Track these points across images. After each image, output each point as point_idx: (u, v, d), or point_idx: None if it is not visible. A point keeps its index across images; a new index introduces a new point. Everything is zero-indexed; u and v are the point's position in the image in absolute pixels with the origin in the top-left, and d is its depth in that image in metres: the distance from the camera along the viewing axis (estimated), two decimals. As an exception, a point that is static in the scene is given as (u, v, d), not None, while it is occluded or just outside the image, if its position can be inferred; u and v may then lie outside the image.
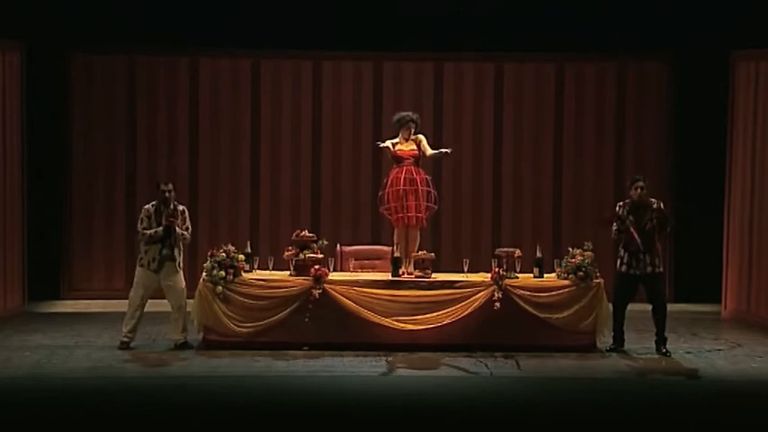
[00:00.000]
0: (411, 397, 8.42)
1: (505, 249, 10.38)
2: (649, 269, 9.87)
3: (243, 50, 12.84)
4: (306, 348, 9.87)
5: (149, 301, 10.13)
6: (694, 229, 12.76)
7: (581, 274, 10.00)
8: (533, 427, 7.61)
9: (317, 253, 10.14)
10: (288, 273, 10.18)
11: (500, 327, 9.91)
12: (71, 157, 12.80)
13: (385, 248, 10.95)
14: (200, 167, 12.94)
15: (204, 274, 9.98)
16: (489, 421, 7.69)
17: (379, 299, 9.97)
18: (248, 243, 10.45)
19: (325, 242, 10.36)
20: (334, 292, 9.94)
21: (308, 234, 10.31)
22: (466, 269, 10.25)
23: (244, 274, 10.03)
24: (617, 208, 10.05)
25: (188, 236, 10.02)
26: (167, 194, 9.95)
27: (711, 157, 12.42)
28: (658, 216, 9.85)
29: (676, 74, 12.95)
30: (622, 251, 9.97)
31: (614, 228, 9.97)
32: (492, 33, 12.66)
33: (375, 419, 7.73)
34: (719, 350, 10.29)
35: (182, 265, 10.01)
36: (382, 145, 10.53)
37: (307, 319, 9.91)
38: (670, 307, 10.27)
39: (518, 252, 10.25)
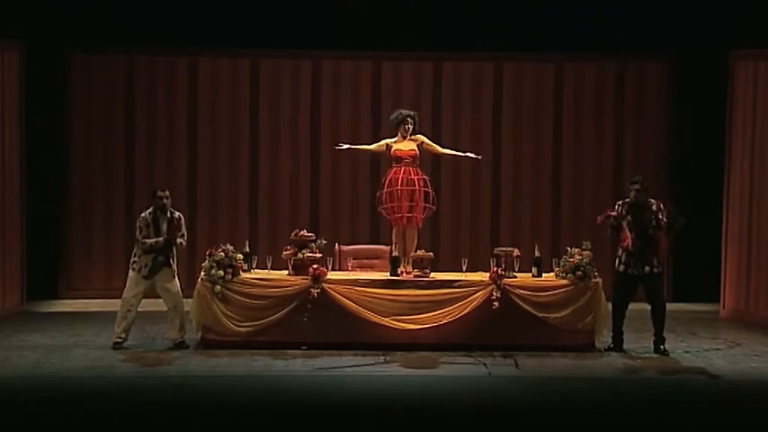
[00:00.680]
0: (410, 396, 8.42)
1: (504, 249, 10.39)
2: (647, 269, 9.88)
3: (242, 50, 12.84)
4: (304, 348, 9.87)
5: (149, 300, 10.15)
6: (693, 228, 12.73)
7: (579, 273, 10.00)
8: (532, 427, 7.61)
9: (315, 252, 10.14)
10: (286, 272, 10.18)
11: (498, 326, 9.91)
12: (70, 157, 12.80)
13: (383, 248, 10.95)
14: (199, 167, 12.94)
15: (203, 273, 9.99)
16: (487, 421, 7.69)
17: (377, 298, 9.97)
18: (247, 242, 10.44)
19: (324, 241, 10.36)
20: (333, 292, 9.94)
21: (306, 233, 10.32)
22: (464, 268, 10.24)
23: (242, 273, 10.03)
24: (616, 206, 10.06)
25: (184, 242, 10.04)
26: (165, 201, 9.95)
27: (710, 156, 12.42)
28: (668, 215, 9.85)
29: (676, 74, 12.95)
30: (620, 251, 9.98)
31: (609, 222, 9.98)
32: (491, 33, 12.65)
33: (374, 419, 7.73)
34: (718, 350, 10.29)
35: (176, 268, 10.01)
36: (339, 148, 10.56)
37: (305, 319, 9.91)
38: (669, 306, 10.27)
39: (517, 251, 10.25)
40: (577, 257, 10.06)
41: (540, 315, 9.95)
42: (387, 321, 9.91)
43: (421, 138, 10.56)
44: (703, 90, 12.60)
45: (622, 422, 7.75)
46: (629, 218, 9.92)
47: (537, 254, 10.27)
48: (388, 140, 10.58)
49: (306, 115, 12.99)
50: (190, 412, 7.86)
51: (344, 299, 9.94)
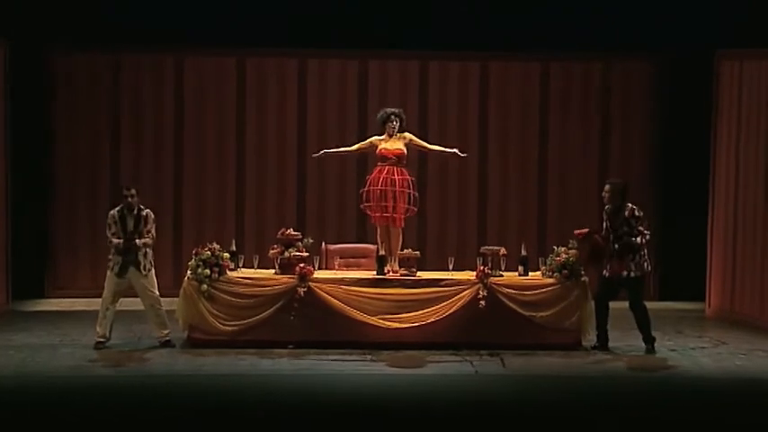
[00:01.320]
0: (396, 395, 8.43)
1: (490, 248, 10.41)
2: (624, 273, 9.88)
3: (228, 49, 12.82)
4: (291, 347, 9.86)
5: (135, 299, 10.12)
6: (679, 227, 12.81)
7: (566, 272, 10.02)
8: (518, 426, 7.62)
9: (302, 251, 10.14)
10: (273, 271, 10.17)
11: (485, 325, 9.92)
12: (56, 156, 12.76)
13: (370, 247, 10.95)
14: (186, 166, 12.92)
15: (189, 272, 9.97)
16: (474, 419, 7.70)
17: (364, 297, 9.97)
18: (233, 241, 10.45)
19: (311, 240, 10.36)
20: (320, 291, 9.94)
21: (293, 232, 10.31)
22: (451, 267, 10.26)
23: (229, 272, 10.02)
24: (603, 213, 10.10)
25: (151, 241, 9.98)
26: (130, 199, 9.92)
27: (696, 155, 12.46)
28: (637, 225, 9.86)
29: (662, 73, 12.99)
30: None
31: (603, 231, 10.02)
32: (477, 32, 12.67)
33: (360, 418, 7.73)
34: (704, 348, 10.33)
35: (150, 265, 9.94)
36: (316, 155, 10.57)
37: (292, 318, 9.90)
38: (655, 305, 10.32)
39: (503, 250, 10.26)
40: (564, 256, 10.07)
41: (526, 314, 9.96)
42: (373, 320, 9.91)
43: (408, 136, 10.55)
44: (689, 90, 12.64)
45: (609, 421, 7.77)
46: (606, 223, 9.96)
47: (523, 253, 10.29)
48: (375, 138, 10.57)
49: (292, 114, 12.98)
50: (176, 412, 7.85)
51: (331, 298, 9.94)
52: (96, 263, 12.56)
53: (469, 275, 10.16)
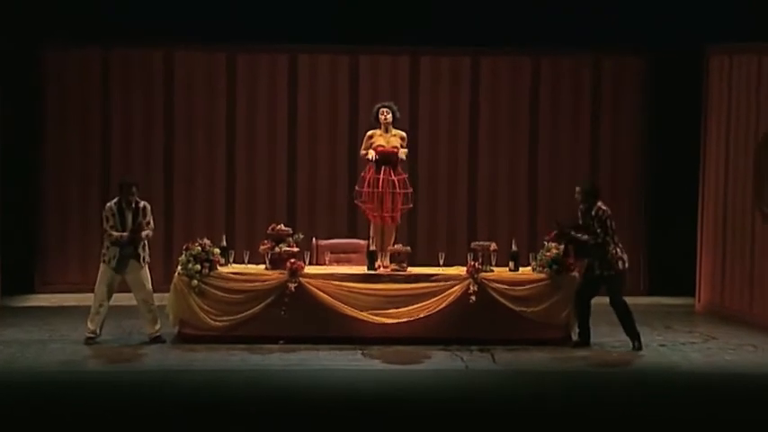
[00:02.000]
0: (387, 390, 8.44)
1: (481, 243, 10.43)
2: (597, 272, 9.90)
3: (218, 44, 12.80)
4: (281, 342, 9.87)
5: (125, 294, 10.12)
6: (668, 221, 12.84)
7: (556, 267, 10.04)
8: (508, 421, 7.63)
9: (292, 246, 10.15)
10: (263, 266, 10.18)
11: (475, 320, 9.94)
12: (45, 150, 12.72)
13: (361, 242, 10.96)
14: (176, 161, 12.89)
15: (179, 267, 9.97)
16: (464, 414, 7.71)
17: (354, 292, 9.98)
18: (224, 237, 10.45)
19: (301, 236, 10.37)
20: (310, 286, 9.95)
21: (283, 228, 10.32)
22: (442, 263, 10.28)
23: (219, 267, 10.03)
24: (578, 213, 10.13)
25: (151, 233, 10.00)
26: (130, 197, 9.88)
27: (686, 150, 12.48)
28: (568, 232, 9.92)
29: (652, 68, 12.99)
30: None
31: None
32: (468, 27, 12.67)
33: (350, 413, 7.74)
34: (693, 343, 10.36)
35: (147, 259, 9.98)
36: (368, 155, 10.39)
37: (282, 313, 9.91)
38: (644, 300, 10.36)
39: (494, 246, 10.28)
40: (554, 252, 10.10)
41: (517, 309, 9.98)
42: (364, 315, 9.92)
43: (402, 136, 10.46)
44: (679, 85, 12.65)
45: (599, 417, 7.78)
46: (579, 223, 10.00)
47: (514, 248, 10.31)
48: (371, 132, 10.50)
49: (283, 109, 12.96)
50: (167, 407, 7.84)
51: (322, 293, 9.95)
52: (86, 258, 12.54)
53: (460, 271, 10.17)
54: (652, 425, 7.59)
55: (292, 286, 9.91)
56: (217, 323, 9.91)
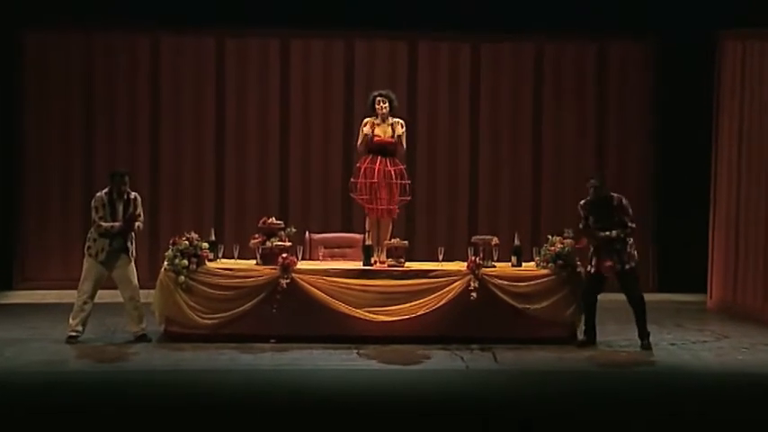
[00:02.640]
0: (384, 391, 8.43)
1: (482, 237, 10.40)
2: (618, 267, 9.84)
3: (206, 28, 12.76)
4: (273, 341, 9.86)
5: (110, 291, 10.08)
6: (679, 215, 12.82)
7: (561, 262, 10.01)
8: (510, 423, 7.61)
9: (284, 241, 10.12)
10: (254, 262, 10.16)
11: (476, 318, 9.92)
12: (24, 140, 12.72)
13: (356, 236, 10.95)
14: (162, 152, 12.88)
15: (166, 263, 9.94)
16: (464, 416, 7.70)
17: (350, 289, 9.96)
18: (212, 230, 10.42)
19: (294, 229, 10.34)
20: (303, 282, 9.93)
21: (275, 221, 10.30)
22: (441, 258, 10.25)
23: (207, 263, 10.00)
24: (579, 207, 10.01)
25: (141, 225, 9.96)
26: (123, 186, 9.83)
27: (697, 140, 12.46)
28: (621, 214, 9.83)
29: (660, 55, 12.97)
30: (591, 247, 9.96)
31: (581, 225, 9.96)
32: (468, 12, 12.63)
33: (345, 415, 7.72)
34: (705, 342, 10.34)
35: (134, 254, 9.93)
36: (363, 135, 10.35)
37: (274, 311, 9.89)
38: (654, 296, 10.32)
39: (495, 240, 10.26)
40: (559, 246, 10.07)
41: (519, 306, 9.96)
42: (360, 313, 9.90)
43: (399, 125, 10.41)
44: (689, 72, 12.64)
45: (605, 419, 7.76)
46: (591, 218, 9.89)
47: (516, 242, 10.29)
48: (368, 120, 10.44)
49: (275, 98, 12.94)
50: (152, 409, 7.82)
51: (315, 290, 9.92)
52: (67, 252, 12.51)
53: (460, 266, 10.15)
54: (662, 427, 7.56)
55: (284, 282, 9.88)
56: (205, 321, 9.89)
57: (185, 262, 9.87)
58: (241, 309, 9.91)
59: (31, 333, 10.31)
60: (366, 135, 10.30)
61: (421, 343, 9.81)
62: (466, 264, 10.09)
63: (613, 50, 13.10)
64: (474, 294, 9.92)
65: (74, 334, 9.87)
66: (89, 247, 9.90)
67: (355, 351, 9.64)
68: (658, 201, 12.94)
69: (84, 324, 9.90)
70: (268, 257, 10.07)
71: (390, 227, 10.45)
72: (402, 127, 10.37)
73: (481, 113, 13.07)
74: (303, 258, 10.34)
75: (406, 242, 10.37)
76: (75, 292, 10.05)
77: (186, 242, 9.94)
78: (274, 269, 9.96)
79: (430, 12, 12.64)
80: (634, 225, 9.88)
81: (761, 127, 11.56)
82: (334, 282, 9.98)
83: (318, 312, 9.90)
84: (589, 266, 9.95)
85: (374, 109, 10.38)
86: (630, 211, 9.88)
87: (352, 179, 10.52)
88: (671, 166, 12.95)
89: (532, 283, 10.03)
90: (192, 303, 9.90)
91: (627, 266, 9.83)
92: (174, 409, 7.85)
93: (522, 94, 13.08)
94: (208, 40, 12.87)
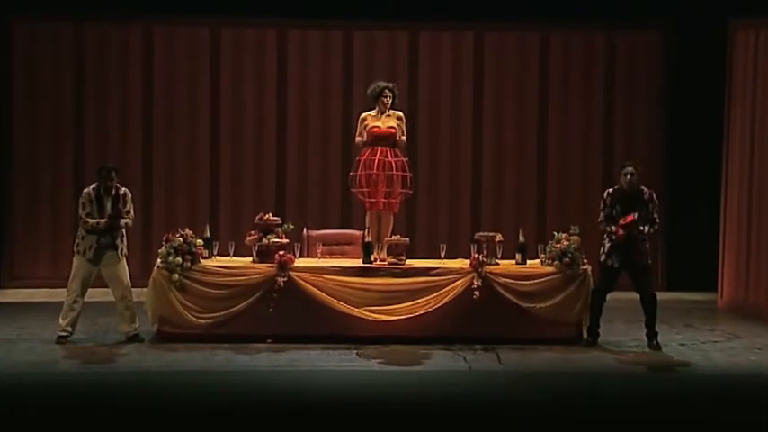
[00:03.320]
0: (384, 393, 8.44)
1: (485, 234, 10.40)
2: (637, 261, 9.83)
3: (201, 18, 12.77)
4: (269, 341, 9.87)
5: (101, 290, 10.10)
6: (688, 211, 12.82)
7: (567, 260, 10.01)
8: (514, 424, 7.62)
9: (281, 238, 10.14)
10: (250, 259, 10.17)
11: (480, 317, 9.93)
12: (13, 135, 12.74)
13: (356, 233, 10.95)
14: (155, 146, 12.90)
15: (159, 260, 9.96)
16: (467, 418, 7.71)
17: (349, 287, 9.97)
18: (207, 227, 10.42)
19: (291, 226, 10.35)
20: (301, 280, 9.94)
21: (271, 217, 10.31)
22: (443, 255, 10.25)
23: (202, 260, 10.02)
24: (605, 195, 9.97)
25: (131, 222, 9.96)
26: (110, 183, 9.83)
27: (707, 133, 12.47)
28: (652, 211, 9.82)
29: (670, 44, 12.98)
30: (606, 240, 9.94)
31: (602, 216, 9.90)
32: (471, 0, 12.64)
33: (344, 418, 7.73)
34: (716, 342, 10.35)
35: (125, 251, 9.93)
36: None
37: (271, 310, 9.90)
38: (663, 295, 10.32)
39: (499, 237, 10.26)
40: (564, 243, 10.07)
41: (524, 305, 9.97)
42: (359, 312, 9.91)
43: (400, 118, 10.44)
44: (699, 63, 12.65)
45: (612, 420, 7.77)
46: (617, 207, 9.84)
47: (521, 239, 10.29)
48: (366, 114, 10.46)
49: (271, 90, 12.96)
50: (145, 411, 7.83)
51: (313, 288, 9.93)
52: (57, 250, 12.54)
53: (463, 264, 10.16)
54: (671, 430, 7.57)
55: (281, 281, 9.89)
56: (199, 320, 9.90)
57: (179, 259, 9.88)
58: (237, 308, 9.92)
59: (19, 333, 10.33)
60: (365, 128, 10.32)
61: (422, 343, 9.82)
62: (468, 261, 10.10)
63: (621, 40, 13.11)
64: (477, 293, 9.92)
65: (63, 334, 9.89)
66: (77, 245, 9.91)
67: (354, 351, 9.65)
68: (667, 196, 12.96)
69: (74, 324, 9.91)
70: (264, 255, 10.08)
71: (391, 223, 10.47)
72: (400, 120, 10.38)
73: (485, 106, 13.08)
74: (301, 256, 10.35)
75: (406, 239, 10.38)
76: (64, 290, 10.07)
77: (180, 239, 9.95)
78: (271, 267, 9.97)
79: (431, 1, 12.65)
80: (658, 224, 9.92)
81: (774, 119, 11.59)
82: (333, 280, 9.99)
83: (316, 311, 9.91)
84: (603, 256, 9.84)
85: (377, 100, 10.38)
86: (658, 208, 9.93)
87: (351, 173, 10.54)
88: (680, 159, 12.96)
89: (537, 281, 10.04)
90: (186, 302, 9.92)
91: (645, 262, 9.82)
92: (168, 411, 7.86)
93: (527, 86, 13.09)
94: (202, 29, 12.88)
